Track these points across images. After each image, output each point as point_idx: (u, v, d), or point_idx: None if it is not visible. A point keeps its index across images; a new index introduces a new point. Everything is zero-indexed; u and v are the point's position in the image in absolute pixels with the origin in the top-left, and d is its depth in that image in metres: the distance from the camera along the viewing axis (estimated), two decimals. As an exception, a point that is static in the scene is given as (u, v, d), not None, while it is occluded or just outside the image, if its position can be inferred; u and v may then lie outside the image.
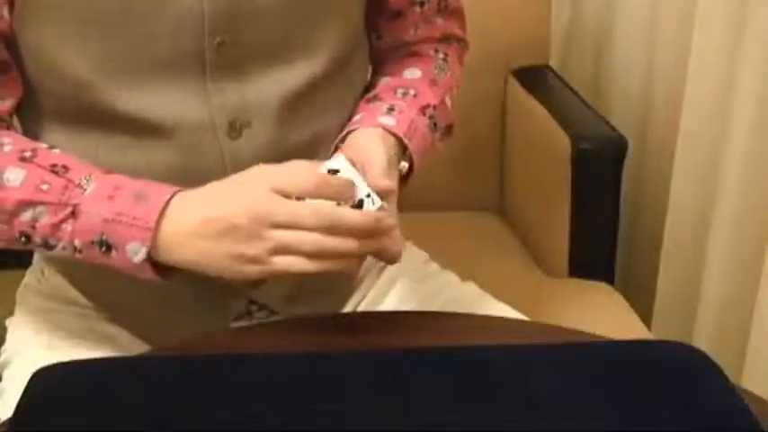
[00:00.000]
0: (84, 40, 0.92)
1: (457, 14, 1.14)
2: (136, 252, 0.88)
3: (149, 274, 0.90)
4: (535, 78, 1.73)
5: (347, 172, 0.92)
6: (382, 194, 0.92)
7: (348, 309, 1.15)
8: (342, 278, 1.13)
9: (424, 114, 1.05)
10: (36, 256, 1.15)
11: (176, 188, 0.90)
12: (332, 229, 0.87)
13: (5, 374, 1.08)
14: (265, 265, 0.87)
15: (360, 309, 1.15)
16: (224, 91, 0.96)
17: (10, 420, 0.81)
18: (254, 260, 0.87)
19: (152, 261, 0.89)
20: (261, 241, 0.86)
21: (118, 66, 0.93)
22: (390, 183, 0.93)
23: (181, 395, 0.82)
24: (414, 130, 1.02)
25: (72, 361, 0.89)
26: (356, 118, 1.04)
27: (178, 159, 0.97)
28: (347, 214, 0.88)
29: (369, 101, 1.06)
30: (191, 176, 0.95)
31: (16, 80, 0.97)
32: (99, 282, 1.06)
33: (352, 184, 0.90)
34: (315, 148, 1.02)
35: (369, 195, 0.91)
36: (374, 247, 0.91)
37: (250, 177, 0.90)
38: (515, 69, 1.73)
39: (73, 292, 1.09)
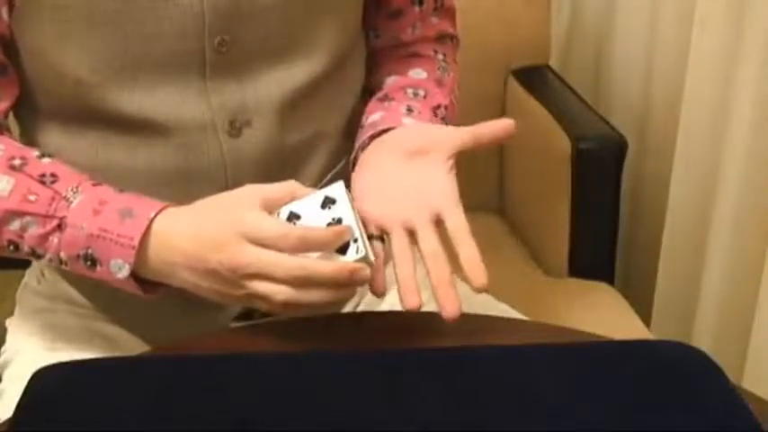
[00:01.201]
0: (85, 40, 0.92)
1: (450, 12, 1.15)
2: (120, 268, 0.88)
3: (133, 289, 0.90)
4: (535, 78, 1.73)
5: (342, 205, 0.89)
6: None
7: (348, 308, 1.15)
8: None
9: (436, 115, 1.05)
10: (36, 257, 1.15)
11: (163, 204, 0.90)
12: (304, 282, 0.85)
13: (5, 375, 1.08)
14: (244, 301, 0.88)
15: (359, 308, 1.15)
16: (224, 90, 0.96)
17: (10, 420, 0.81)
18: (236, 298, 0.88)
19: (136, 276, 0.89)
20: (238, 287, 0.86)
21: (118, 65, 0.93)
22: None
23: (180, 395, 0.82)
24: None
25: (72, 361, 0.89)
26: (375, 118, 1.03)
27: (178, 158, 0.97)
28: (319, 269, 0.85)
29: (381, 100, 1.06)
30: (191, 175, 0.95)
31: (13, 82, 0.97)
32: (98, 282, 1.06)
33: (324, 242, 0.86)
34: (314, 147, 1.02)
35: (356, 240, 0.87)
36: (350, 294, 0.90)
37: (223, 222, 0.87)
38: (515, 69, 1.73)
39: (72, 293, 1.09)
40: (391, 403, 0.82)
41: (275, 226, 0.86)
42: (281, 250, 0.84)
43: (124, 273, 0.88)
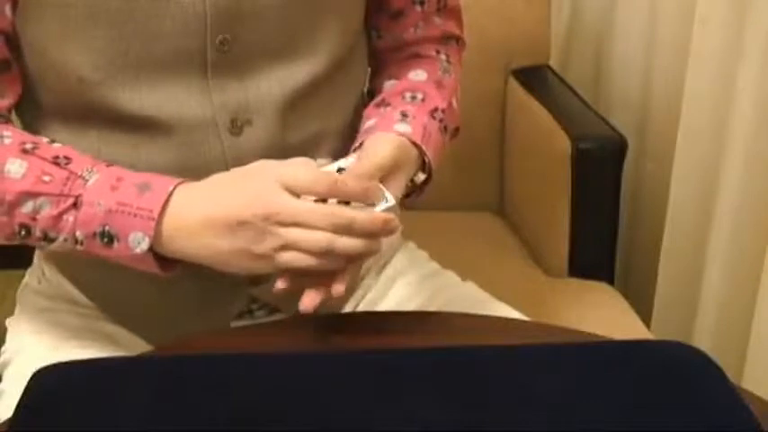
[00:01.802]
0: (88, 39, 0.92)
1: (455, 13, 1.14)
2: (138, 242, 0.88)
3: (151, 265, 0.90)
4: (535, 78, 1.73)
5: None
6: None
7: (348, 308, 1.15)
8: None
9: (434, 118, 1.05)
10: (36, 256, 1.15)
11: (179, 179, 0.90)
12: (339, 229, 0.87)
13: (5, 375, 1.08)
14: (269, 260, 0.88)
15: (360, 308, 1.15)
16: (226, 89, 0.96)
17: (10, 420, 0.81)
18: (259, 257, 0.87)
19: (154, 252, 0.89)
20: (269, 239, 0.87)
21: (120, 64, 0.93)
22: (359, 185, 0.91)
23: (181, 395, 0.82)
24: (428, 134, 1.03)
25: (72, 361, 0.89)
26: (370, 124, 1.03)
27: (179, 156, 0.97)
28: (355, 215, 0.88)
29: (378, 106, 1.06)
30: (192, 173, 0.95)
31: (17, 78, 0.97)
32: (99, 281, 1.06)
33: (365, 191, 0.90)
34: (315, 147, 1.02)
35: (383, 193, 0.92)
36: (377, 248, 0.91)
37: (257, 172, 0.90)
38: (515, 69, 1.73)
39: (73, 292, 1.09)
40: (391, 403, 0.82)
41: (311, 171, 0.89)
42: (316, 196, 0.88)
43: (143, 246, 0.88)
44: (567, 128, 1.56)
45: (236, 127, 0.97)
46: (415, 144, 1.01)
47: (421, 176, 1.04)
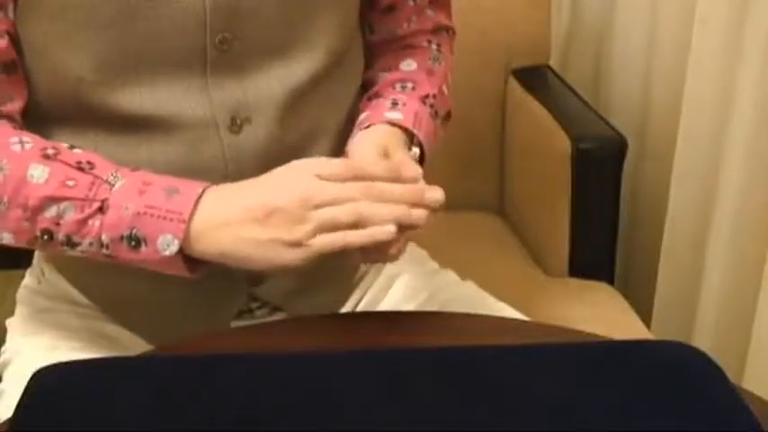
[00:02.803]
0: (87, 40, 0.92)
1: (445, 4, 1.15)
2: (168, 245, 0.88)
3: (179, 268, 0.90)
4: (535, 78, 1.73)
5: None
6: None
7: (348, 307, 1.15)
8: (343, 271, 1.13)
9: (424, 104, 1.06)
10: (36, 257, 1.15)
11: (206, 183, 0.91)
12: (376, 197, 0.89)
13: (5, 375, 1.08)
14: (305, 248, 0.88)
15: (359, 308, 1.15)
16: (225, 87, 0.96)
17: (10, 420, 0.81)
18: (293, 244, 0.87)
19: (182, 255, 0.89)
20: (304, 223, 0.87)
21: (120, 64, 0.93)
22: (385, 165, 0.93)
23: (181, 395, 0.82)
24: (419, 120, 1.04)
25: (72, 361, 0.89)
26: (362, 117, 1.04)
27: (179, 155, 0.97)
28: (391, 186, 0.90)
29: (370, 98, 1.07)
30: (192, 171, 0.96)
31: (23, 80, 0.97)
32: (99, 281, 1.06)
33: (394, 166, 0.92)
34: (314, 143, 1.03)
35: None
36: (415, 218, 0.91)
37: (287, 167, 0.91)
38: (515, 69, 1.73)
39: (73, 292, 1.09)
40: (391, 403, 0.82)
41: (338, 160, 0.91)
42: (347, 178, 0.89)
43: (173, 248, 0.88)
44: (567, 128, 1.56)
45: (236, 125, 0.97)
46: (406, 130, 1.02)
47: (415, 150, 1.03)
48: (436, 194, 0.91)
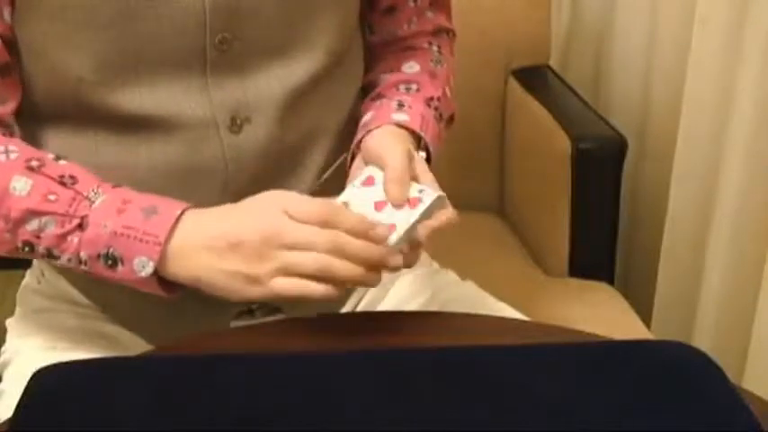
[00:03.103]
0: (87, 40, 0.92)
1: (445, 6, 1.15)
2: (143, 266, 0.88)
3: (155, 288, 0.90)
4: (535, 78, 1.73)
5: (357, 209, 0.92)
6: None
7: (348, 308, 1.15)
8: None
9: (429, 107, 1.06)
10: (36, 256, 1.15)
11: (186, 204, 0.90)
12: (338, 252, 0.87)
13: (5, 375, 1.08)
14: (265, 287, 0.87)
15: (359, 308, 1.15)
16: (225, 87, 0.96)
17: (10, 420, 0.81)
18: (253, 280, 0.87)
19: (158, 276, 0.89)
20: (265, 261, 0.86)
21: (120, 64, 0.93)
22: (398, 194, 0.93)
23: (180, 395, 0.82)
24: (426, 123, 1.03)
25: (72, 361, 0.89)
26: (367, 118, 1.04)
27: (179, 155, 0.97)
28: (355, 242, 0.87)
29: (374, 99, 1.07)
30: (191, 171, 0.96)
31: (17, 83, 0.97)
32: (99, 282, 1.06)
33: (364, 221, 0.90)
34: (314, 143, 1.03)
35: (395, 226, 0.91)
36: (376, 280, 0.90)
37: (263, 198, 0.90)
38: (515, 69, 1.73)
39: (73, 292, 1.09)
40: (391, 403, 0.82)
41: (314, 200, 0.89)
42: (317, 221, 0.87)
43: (148, 270, 0.88)
44: (567, 128, 1.56)
45: (236, 125, 0.97)
46: (413, 132, 1.01)
47: (421, 154, 1.03)
48: (397, 261, 0.90)
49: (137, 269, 0.88)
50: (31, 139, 1.01)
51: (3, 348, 1.12)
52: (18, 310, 1.14)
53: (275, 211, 0.88)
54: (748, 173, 1.49)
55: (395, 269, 0.91)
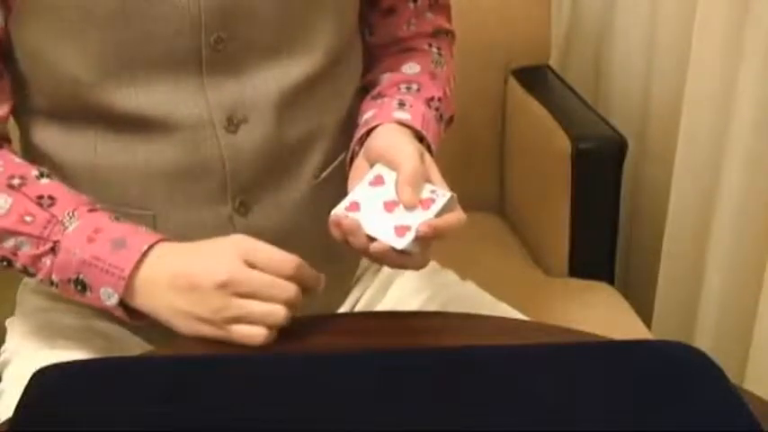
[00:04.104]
0: (83, 41, 0.92)
1: (445, 8, 1.15)
2: (108, 296, 0.91)
3: (122, 315, 0.93)
4: (535, 78, 1.73)
5: (368, 209, 0.92)
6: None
7: (347, 307, 1.15)
8: (340, 275, 1.13)
9: (430, 107, 1.06)
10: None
11: (157, 237, 0.92)
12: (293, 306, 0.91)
13: (5, 375, 1.08)
14: (221, 329, 0.90)
15: (358, 308, 1.15)
16: (221, 87, 0.96)
17: (10, 420, 0.81)
18: (208, 321, 0.90)
19: (124, 305, 0.92)
20: (218, 307, 0.89)
21: (116, 64, 0.93)
22: (412, 197, 0.93)
23: (180, 395, 0.82)
24: (427, 122, 1.03)
25: (72, 361, 0.89)
26: (368, 116, 1.04)
27: (176, 155, 0.97)
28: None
29: (374, 98, 1.07)
30: (189, 171, 0.96)
31: (8, 89, 0.98)
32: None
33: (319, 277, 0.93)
34: (312, 143, 1.03)
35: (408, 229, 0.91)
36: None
37: (228, 242, 0.92)
38: (515, 69, 1.73)
39: (73, 292, 1.09)
40: (391, 403, 0.82)
41: (276, 252, 0.90)
42: (276, 273, 0.89)
43: (113, 301, 0.91)
44: (567, 128, 1.56)
45: (233, 125, 0.97)
46: (415, 131, 1.01)
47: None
48: (415, 262, 0.94)
49: (103, 298, 0.91)
50: (32, 140, 1.01)
51: (3, 348, 1.12)
52: (18, 309, 1.14)
53: (233, 259, 0.89)
54: (748, 173, 1.49)
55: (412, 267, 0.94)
